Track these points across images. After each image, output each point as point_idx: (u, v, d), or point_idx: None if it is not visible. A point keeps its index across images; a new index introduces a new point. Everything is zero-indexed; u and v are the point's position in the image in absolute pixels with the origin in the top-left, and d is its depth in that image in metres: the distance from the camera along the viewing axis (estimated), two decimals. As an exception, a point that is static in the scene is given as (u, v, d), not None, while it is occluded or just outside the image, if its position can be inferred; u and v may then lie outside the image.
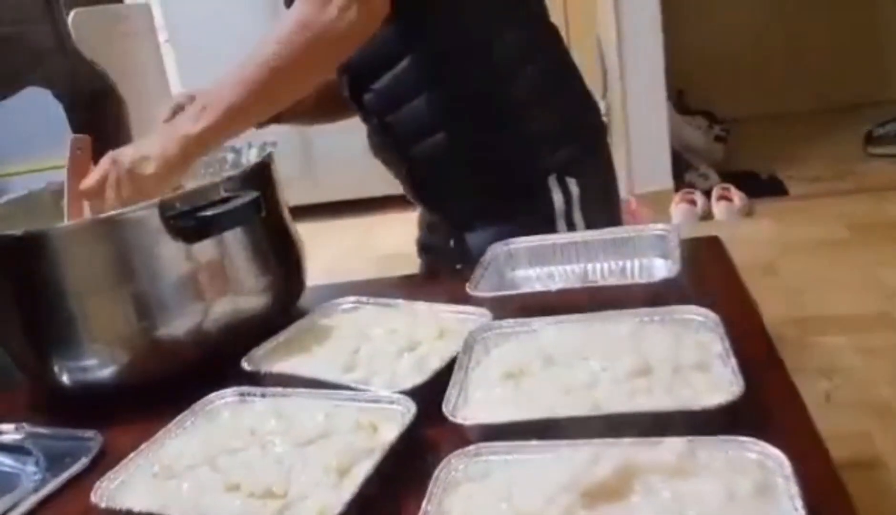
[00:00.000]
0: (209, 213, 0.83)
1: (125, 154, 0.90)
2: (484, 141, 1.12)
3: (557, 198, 1.12)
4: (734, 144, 3.78)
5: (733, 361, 0.67)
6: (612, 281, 0.94)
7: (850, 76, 3.02)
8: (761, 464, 0.56)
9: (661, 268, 0.92)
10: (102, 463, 0.74)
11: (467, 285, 0.89)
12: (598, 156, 1.21)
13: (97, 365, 0.85)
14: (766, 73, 4.13)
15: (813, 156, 3.10)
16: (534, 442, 0.61)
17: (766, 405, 0.66)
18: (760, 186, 3.23)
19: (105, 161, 0.91)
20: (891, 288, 2.08)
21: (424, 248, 1.33)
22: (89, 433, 0.79)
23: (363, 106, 1.16)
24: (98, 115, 1.82)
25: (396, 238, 3.18)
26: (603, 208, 1.18)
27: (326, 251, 2.88)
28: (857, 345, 1.86)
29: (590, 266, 0.97)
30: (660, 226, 0.96)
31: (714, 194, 3.24)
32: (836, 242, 2.43)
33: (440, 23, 1.08)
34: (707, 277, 0.94)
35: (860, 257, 2.30)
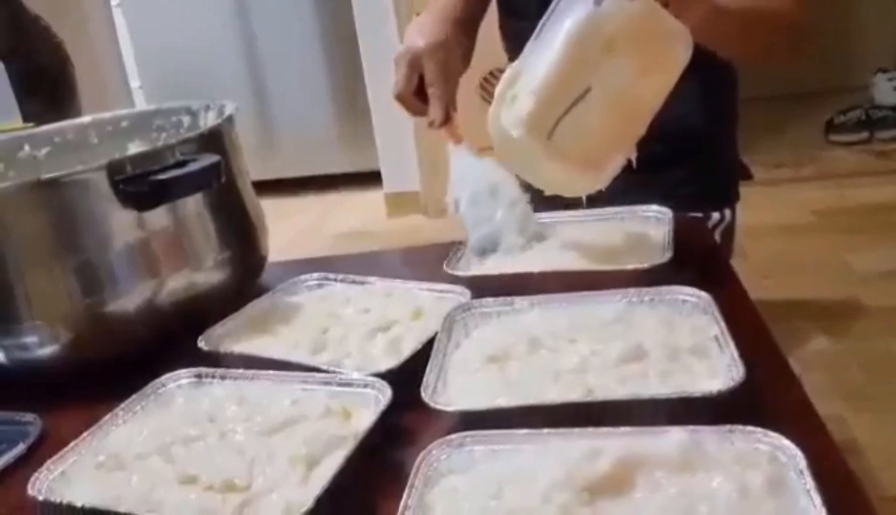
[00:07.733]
0: (164, 177, 0.77)
1: None
2: None
3: None
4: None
5: (731, 345, 0.64)
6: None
7: (811, 63, 3.05)
8: (772, 457, 0.52)
9: None
10: (41, 450, 0.70)
11: (445, 263, 0.85)
12: None
13: (37, 343, 0.79)
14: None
15: (775, 142, 3.11)
16: (522, 431, 0.57)
17: (765, 391, 0.64)
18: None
19: None
20: (859, 274, 2.09)
21: None
22: (28, 417, 0.75)
23: None
24: (48, 76, 1.73)
25: (356, 218, 3.12)
26: None
27: (281, 230, 2.80)
28: (827, 330, 1.86)
29: None
30: (654, 207, 0.94)
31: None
32: (802, 227, 2.44)
33: None
34: (694, 259, 0.90)
35: (827, 242, 2.30)
